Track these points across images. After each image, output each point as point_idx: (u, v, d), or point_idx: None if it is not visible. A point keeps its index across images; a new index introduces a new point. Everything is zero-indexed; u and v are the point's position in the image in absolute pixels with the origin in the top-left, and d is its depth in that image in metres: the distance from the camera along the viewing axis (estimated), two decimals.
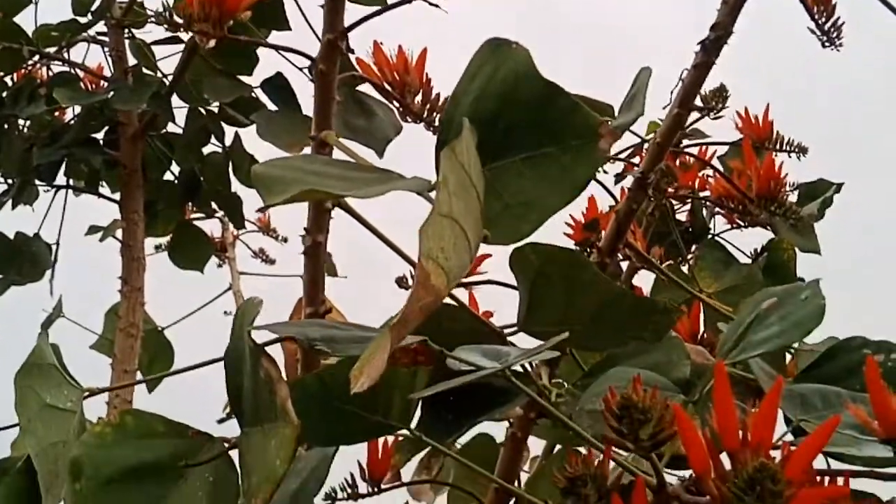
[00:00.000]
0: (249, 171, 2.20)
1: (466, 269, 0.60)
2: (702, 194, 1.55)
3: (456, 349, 0.74)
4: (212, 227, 2.59)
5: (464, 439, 1.23)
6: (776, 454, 0.55)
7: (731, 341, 0.79)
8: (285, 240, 2.66)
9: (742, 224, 1.67)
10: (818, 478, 0.63)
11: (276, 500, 0.81)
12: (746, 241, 1.63)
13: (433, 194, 0.67)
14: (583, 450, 0.78)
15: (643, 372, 0.81)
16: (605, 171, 1.47)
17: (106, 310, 2.26)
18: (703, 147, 1.51)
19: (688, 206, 1.65)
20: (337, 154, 0.88)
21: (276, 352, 1.15)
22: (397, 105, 1.08)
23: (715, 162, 1.54)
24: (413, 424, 0.89)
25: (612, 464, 0.68)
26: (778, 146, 1.41)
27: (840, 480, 0.61)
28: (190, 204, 2.37)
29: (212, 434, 0.78)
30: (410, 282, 1.21)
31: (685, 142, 1.46)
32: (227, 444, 0.76)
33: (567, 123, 0.69)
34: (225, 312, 2.40)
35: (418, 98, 1.07)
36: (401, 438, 1.06)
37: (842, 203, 1.61)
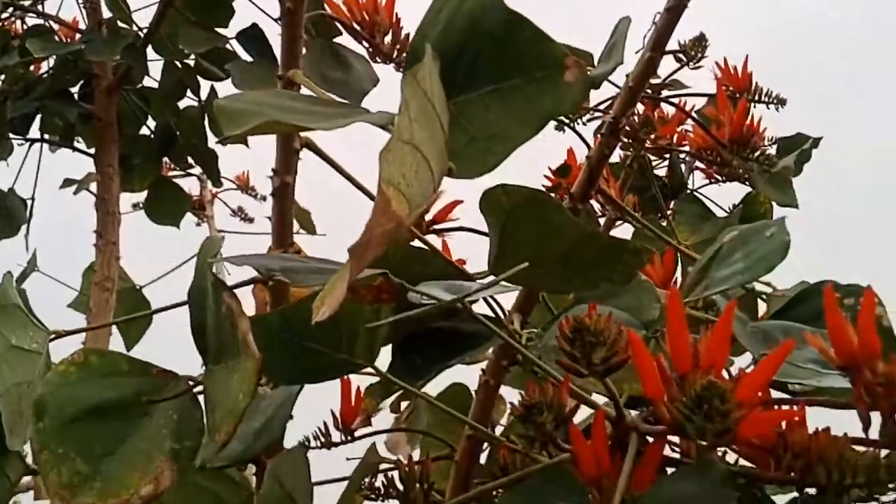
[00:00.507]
0: None
1: (428, 198, 0.61)
2: (680, 148, 1.56)
3: (419, 284, 0.74)
4: (190, 185, 2.60)
5: (438, 388, 1.24)
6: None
7: (693, 279, 0.80)
8: (264, 198, 2.66)
9: (720, 179, 1.68)
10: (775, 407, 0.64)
11: (240, 437, 0.83)
12: (725, 197, 1.64)
13: None
14: None
15: (609, 308, 0.81)
16: (584, 124, 1.48)
17: (82, 266, 2.26)
18: (682, 100, 1.52)
19: (666, 162, 1.66)
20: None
21: (248, 299, 1.16)
22: (367, 45, 1.07)
23: (695, 114, 1.54)
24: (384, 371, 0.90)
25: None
26: (757, 97, 1.41)
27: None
28: (167, 160, 2.37)
29: (177, 372, 0.79)
30: None
31: (665, 93, 1.46)
32: (191, 382, 0.77)
33: (532, 54, 0.69)
34: None
35: (388, 38, 1.07)
36: (371, 384, 1.07)
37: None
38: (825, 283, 0.95)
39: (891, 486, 0.57)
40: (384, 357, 0.95)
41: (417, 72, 0.56)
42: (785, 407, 0.63)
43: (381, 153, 0.51)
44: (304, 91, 0.87)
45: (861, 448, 0.58)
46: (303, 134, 0.88)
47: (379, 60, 1.08)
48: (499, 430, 1.26)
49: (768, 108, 1.44)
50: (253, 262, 0.72)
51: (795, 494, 1.00)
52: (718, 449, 0.71)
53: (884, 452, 0.57)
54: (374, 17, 1.04)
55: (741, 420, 0.53)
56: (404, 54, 1.06)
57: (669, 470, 0.66)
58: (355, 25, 1.05)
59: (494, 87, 0.69)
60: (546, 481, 0.61)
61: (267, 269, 0.68)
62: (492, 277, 0.94)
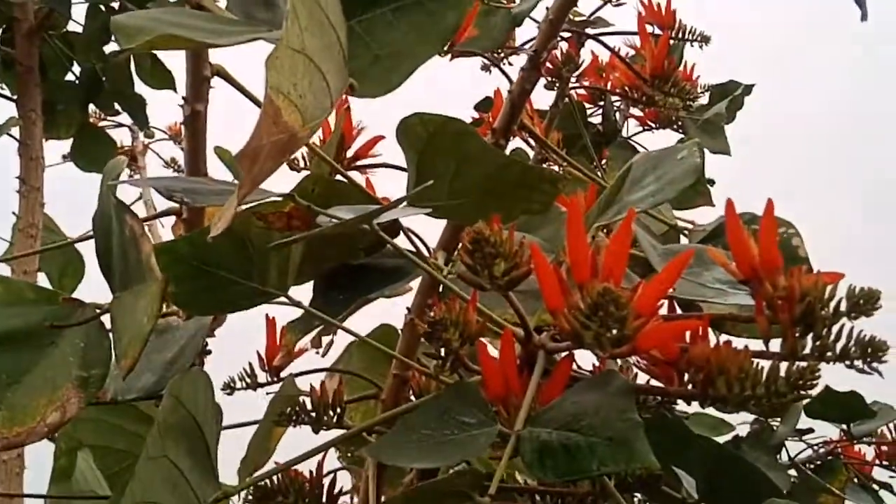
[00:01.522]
0: (152, 69, 2.19)
1: (326, 114, 0.60)
2: (610, 91, 1.56)
3: (330, 208, 0.74)
4: (122, 136, 2.56)
5: (365, 329, 1.23)
6: None
7: (604, 202, 0.80)
8: None
9: (653, 126, 1.69)
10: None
11: (152, 369, 0.82)
12: (658, 145, 1.65)
13: None
14: None
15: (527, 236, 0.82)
16: (510, 63, 1.47)
17: (4, 213, 2.22)
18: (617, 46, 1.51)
19: (600, 110, 1.66)
20: None
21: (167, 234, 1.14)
22: None
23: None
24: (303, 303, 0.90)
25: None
26: (680, 35, 1.41)
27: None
28: (95, 109, 2.33)
29: (83, 300, 0.78)
30: (302, 164, 1.20)
31: (589, 31, 1.46)
32: (98, 311, 0.76)
33: None
34: None
35: None
36: (291, 320, 1.06)
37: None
38: (743, 214, 0.96)
39: (789, 397, 0.58)
40: (305, 292, 0.95)
41: None
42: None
43: (268, 60, 0.50)
44: None
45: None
46: (214, 61, 0.87)
47: None
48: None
49: (692, 46, 1.44)
50: (154, 184, 0.71)
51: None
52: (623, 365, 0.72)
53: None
54: None
55: (639, 329, 0.53)
56: None
57: None
58: None
59: (397, 4, 0.68)
60: (453, 398, 0.61)
61: (168, 189, 0.67)
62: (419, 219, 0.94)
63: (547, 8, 1.08)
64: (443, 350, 0.63)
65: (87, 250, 2.37)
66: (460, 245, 0.58)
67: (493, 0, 1.33)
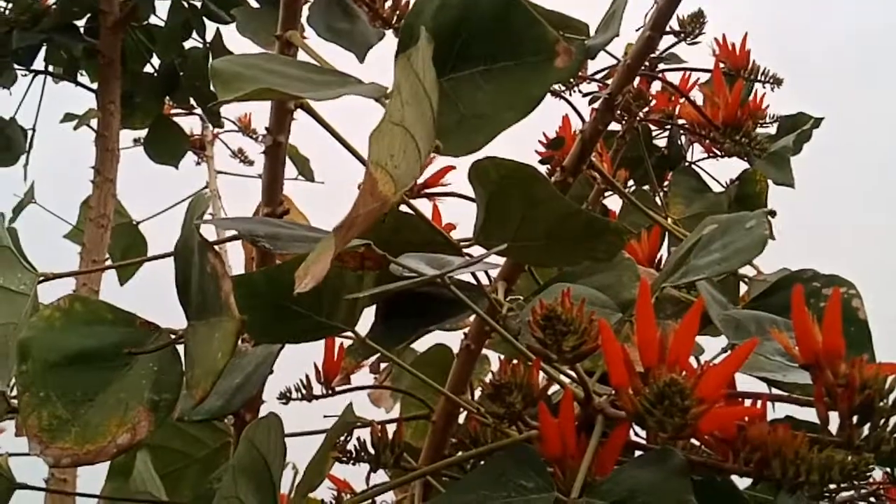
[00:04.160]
0: None
1: (415, 178, 0.61)
2: (679, 121, 1.56)
3: (402, 256, 0.75)
4: (192, 124, 2.59)
5: (421, 348, 1.25)
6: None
7: (673, 264, 0.80)
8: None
9: (718, 154, 1.68)
10: (741, 400, 0.65)
11: (219, 393, 0.84)
12: (725, 170, 1.64)
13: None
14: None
15: (586, 289, 0.82)
16: (580, 92, 1.48)
17: (79, 200, 2.27)
18: (687, 74, 1.51)
19: (666, 133, 1.66)
20: (302, 56, 0.88)
21: (238, 251, 1.17)
22: (366, 10, 1.07)
23: (696, 90, 1.53)
24: (365, 331, 0.91)
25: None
26: (753, 76, 1.40)
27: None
28: (169, 99, 2.36)
29: (159, 325, 0.80)
30: None
31: (661, 66, 1.46)
32: (173, 336, 0.78)
33: (525, 38, 0.69)
34: None
35: (388, 3, 1.07)
36: (352, 343, 1.08)
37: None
38: (805, 271, 0.96)
39: (843, 484, 0.58)
40: (366, 316, 0.97)
41: (411, 54, 0.57)
42: (748, 401, 0.64)
43: (371, 135, 0.52)
44: (301, 53, 0.87)
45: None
46: None
47: (377, 25, 1.08)
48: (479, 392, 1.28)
49: (763, 88, 1.43)
50: (239, 227, 0.72)
51: None
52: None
53: None
54: None
55: (700, 416, 0.54)
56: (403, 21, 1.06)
57: (635, 453, 0.68)
58: None
59: (486, 67, 0.69)
60: (511, 460, 0.62)
61: (252, 234, 0.69)
62: (477, 247, 0.95)
63: (626, 52, 1.09)
64: (504, 411, 0.64)
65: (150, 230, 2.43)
66: (531, 318, 0.59)
67: (568, 32, 1.33)
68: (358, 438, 0.79)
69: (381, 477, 0.88)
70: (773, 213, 1.61)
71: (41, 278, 0.90)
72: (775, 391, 0.75)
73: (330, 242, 0.54)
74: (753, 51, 1.43)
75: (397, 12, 1.08)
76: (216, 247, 0.77)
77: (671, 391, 0.52)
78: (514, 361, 0.66)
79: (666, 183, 1.62)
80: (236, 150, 2.74)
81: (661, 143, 1.68)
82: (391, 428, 0.84)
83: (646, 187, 1.66)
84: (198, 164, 2.68)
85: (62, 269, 0.95)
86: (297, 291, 0.55)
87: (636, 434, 0.69)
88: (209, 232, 0.80)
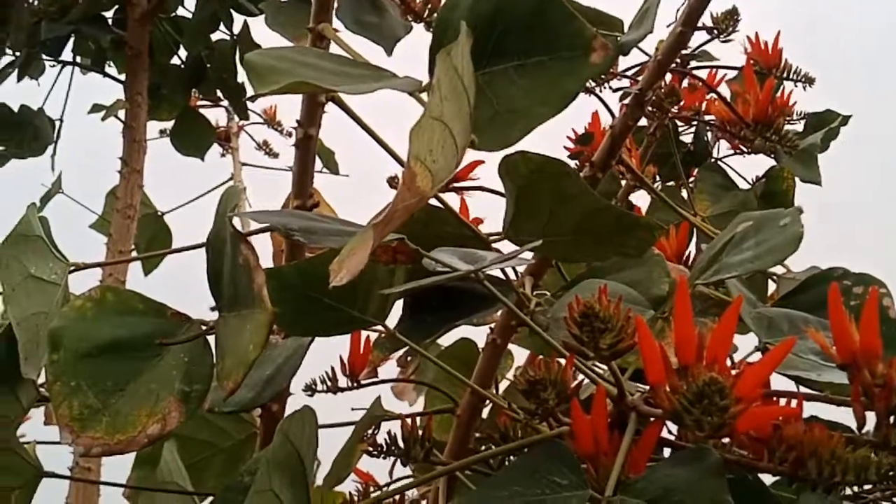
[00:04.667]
0: None
1: (452, 172, 0.61)
2: (706, 118, 1.55)
3: (435, 250, 0.75)
4: (217, 116, 2.59)
5: (447, 342, 1.25)
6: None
7: (705, 262, 0.80)
8: (290, 133, 2.62)
9: (745, 150, 1.66)
10: (775, 399, 0.65)
11: (249, 385, 0.84)
12: (750, 167, 1.63)
13: (424, 95, 0.67)
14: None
15: (617, 285, 0.82)
16: (611, 88, 1.47)
17: (106, 190, 2.27)
18: (714, 71, 1.50)
19: (693, 129, 1.65)
20: (334, 48, 0.88)
21: (265, 242, 1.17)
22: (398, 3, 1.07)
23: (724, 86, 1.53)
24: (393, 323, 0.91)
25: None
26: (785, 75, 1.39)
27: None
28: (195, 91, 2.37)
29: (190, 316, 0.80)
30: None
31: (693, 63, 1.45)
32: (204, 327, 0.78)
33: (561, 34, 0.69)
34: None
35: None
36: (380, 337, 1.07)
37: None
38: (835, 269, 0.95)
39: (880, 484, 0.58)
40: (394, 309, 0.96)
41: (452, 49, 0.56)
42: (783, 400, 0.63)
43: (412, 130, 0.52)
44: (333, 46, 0.87)
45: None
46: None
47: (409, 19, 1.07)
48: (503, 384, 1.28)
49: (796, 87, 1.42)
50: (273, 221, 0.72)
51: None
52: None
53: None
54: None
55: (739, 415, 0.53)
56: (434, 14, 1.06)
57: (665, 450, 0.67)
58: None
59: (521, 62, 0.69)
60: (544, 456, 0.61)
61: (286, 228, 0.69)
62: (506, 242, 0.95)
63: (657, 48, 1.08)
64: (538, 407, 0.64)
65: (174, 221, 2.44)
66: (567, 315, 0.58)
67: (602, 28, 1.32)
68: (388, 432, 0.79)
69: (402, 469, 0.88)
70: (800, 211, 1.60)
71: (72, 268, 0.90)
72: (803, 389, 0.74)
73: (367, 236, 0.53)
74: (784, 46, 1.42)
75: (429, 6, 1.07)
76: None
77: (710, 390, 0.52)
78: (541, 357, 0.65)
79: (692, 179, 1.62)
80: (261, 142, 2.75)
81: (686, 139, 1.68)
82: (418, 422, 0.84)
83: (671, 183, 1.65)
84: (223, 155, 2.68)
85: (87, 257, 0.95)
86: (332, 285, 0.54)
87: (668, 431, 0.69)
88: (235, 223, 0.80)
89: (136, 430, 0.73)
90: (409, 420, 0.80)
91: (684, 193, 1.60)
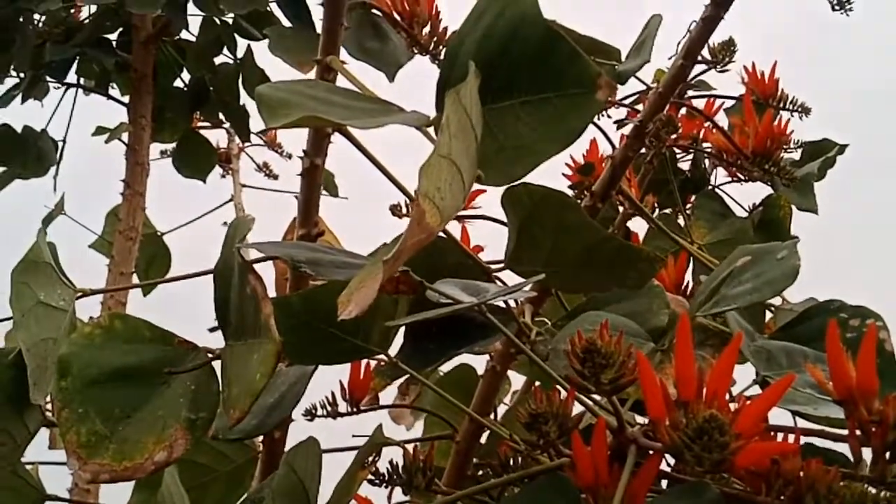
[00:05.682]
0: (258, 84, 2.23)
1: (460, 208, 0.62)
2: (704, 146, 1.56)
3: (438, 282, 0.76)
4: (218, 137, 2.60)
5: (446, 367, 1.25)
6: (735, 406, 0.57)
7: (704, 294, 0.81)
8: (290, 156, 2.66)
9: (742, 178, 1.67)
10: (773, 433, 0.65)
11: (254, 412, 0.84)
12: (747, 194, 1.64)
13: (430, 130, 0.69)
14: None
15: (617, 318, 0.83)
16: (608, 116, 1.48)
17: (106, 211, 2.28)
18: (711, 99, 1.52)
19: (690, 156, 1.66)
20: (341, 80, 0.89)
21: (268, 267, 1.18)
22: (405, 35, 1.08)
23: (721, 115, 1.54)
24: (394, 351, 0.92)
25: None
26: (782, 104, 1.41)
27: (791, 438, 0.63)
28: (198, 113, 2.38)
29: (196, 343, 0.80)
30: (404, 210, 1.23)
31: (690, 92, 1.46)
32: (210, 355, 0.79)
33: (566, 72, 0.70)
34: (224, 223, 2.41)
35: (426, 30, 1.08)
36: (381, 364, 1.08)
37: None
38: (832, 302, 0.96)
39: None
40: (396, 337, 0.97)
41: (461, 89, 0.58)
42: (780, 435, 0.64)
43: (422, 168, 0.53)
44: (340, 78, 0.88)
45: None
46: None
47: (416, 51, 1.09)
48: (501, 409, 1.28)
49: (791, 116, 1.44)
50: (280, 252, 0.73)
51: None
52: None
53: None
54: (415, 7, 1.05)
55: (738, 451, 0.54)
56: (441, 47, 1.07)
57: (664, 483, 0.68)
58: (395, 15, 1.06)
59: (527, 99, 0.70)
60: (546, 487, 0.62)
61: (293, 260, 0.70)
62: (509, 272, 0.96)
63: (656, 81, 1.09)
64: (539, 439, 0.64)
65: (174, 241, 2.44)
66: (570, 349, 0.59)
67: (600, 57, 1.34)
68: (391, 461, 0.80)
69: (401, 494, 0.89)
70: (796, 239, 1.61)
71: (79, 294, 0.91)
72: (801, 421, 0.75)
73: (376, 271, 0.54)
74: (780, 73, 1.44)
75: (435, 39, 1.08)
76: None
77: (710, 427, 0.53)
78: (540, 386, 0.66)
79: (689, 206, 1.63)
80: (261, 163, 2.76)
81: (684, 165, 1.69)
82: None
83: (667, 210, 1.66)
84: (223, 176, 2.69)
85: (85, 275, 0.96)
86: (341, 318, 0.55)
87: (666, 464, 0.70)
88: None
89: (142, 457, 0.74)
90: (411, 449, 0.81)
91: (681, 220, 1.61)
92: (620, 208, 1.50)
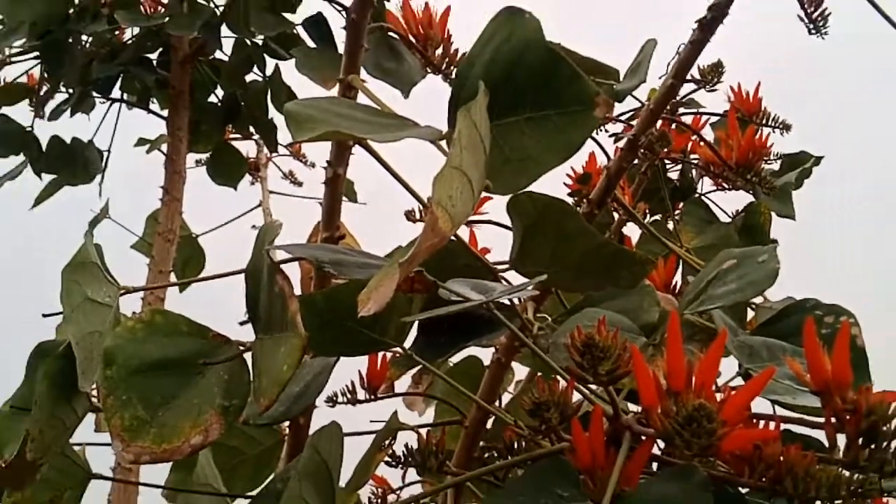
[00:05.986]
0: (285, 100, 2.24)
1: (469, 215, 0.62)
2: (692, 157, 1.56)
3: (449, 281, 0.76)
4: (248, 148, 2.62)
5: (455, 359, 1.26)
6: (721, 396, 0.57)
7: (692, 294, 0.81)
8: (313, 165, 2.68)
9: (726, 187, 1.67)
10: (755, 420, 0.65)
11: (281, 400, 0.84)
12: (731, 202, 1.64)
13: (443, 143, 0.69)
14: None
15: (612, 314, 0.83)
16: (606, 131, 1.48)
17: (147, 215, 2.29)
18: (698, 115, 1.52)
19: (679, 167, 1.66)
20: (361, 97, 0.90)
21: (294, 268, 1.18)
22: (419, 56, 1.09)
23: (708, 130, 1.54)
24: (408, 343, 0.92)
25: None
26: (764, 121, 1.41)
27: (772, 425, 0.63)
28: (230, 126, 2.39)
29: (229, 337, 0.81)
30: (418, 215, 1.24)
31: (681, 110, 1.46)
32: (241, 347, 0.79)
33: (567, 91, 0.70)
34: (253, 226, 2.43)
35: (439, 51, 1.08)
36: (396, 355, 1.08)
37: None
38: (808, 300, 0.96)
39: (850, 500, 0.58)
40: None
41: (471, 107, 0.58)
42: (762, 422, 0.64)
43: (435, 178, 0.53)
44: (361, 95, 0.88)
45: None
46: None
47: (429, 71, 1.09)
48: (506, 397, 1.29)
49: (773, 132, 1.44)
50: (306, 253, 0.73)
51: None
52: None
53: None
54: (429, 31, 1.05)
55: (724, 437, 0.54)
56: (452, 67, 1.07)
57: (654, 465, 0.68)
58: (411, 38, 1.06)
59: (531, 116, 0.70)
60: (548, 470, 0.62)
61: (318, 260, 0.70)
62: (513, 272, 0.96)
63: (649, 98, 1.09)
64: (542, 425, 0.65)
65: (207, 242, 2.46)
66: (570, 343, 0.59)
67: (599, 76, 1.34)
68: (406, 445, 0.80)
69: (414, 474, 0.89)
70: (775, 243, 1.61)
71: (122, 291, 0.92)
72: (780, 410, 0.75)
73: (393, 272, 0.55)
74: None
75: (447, 60, 1.09)
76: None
77: (699, 415, 0.53)
78: (539, 375, 0.66)
79: (678, 212, 1.63)
80: (287, 171, 2.77)
81: (673, 175, 1.69)
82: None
83: (658, 217, 1.67)
84: (252, 183, 2.70)
85: (127, 273, 0.96)
86: (361, 315, 0.55)
87: (657, 448, 0.70)
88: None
89: (180, 440, 0.74)
90: (425, 434, 0.81)
91: (670, 225, 1.61)
92: (616, 214, 1.50)
